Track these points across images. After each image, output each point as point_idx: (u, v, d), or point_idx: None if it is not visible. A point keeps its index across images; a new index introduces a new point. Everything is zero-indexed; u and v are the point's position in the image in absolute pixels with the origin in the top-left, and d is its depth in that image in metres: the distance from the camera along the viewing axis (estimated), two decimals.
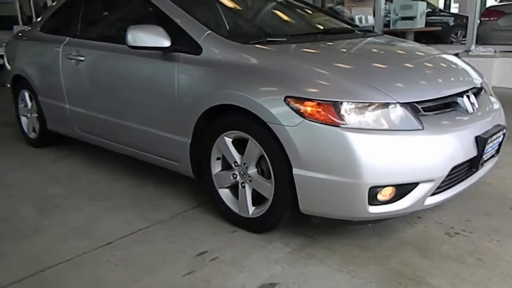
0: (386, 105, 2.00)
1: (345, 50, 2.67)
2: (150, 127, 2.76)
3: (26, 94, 4.02)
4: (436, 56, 2.70)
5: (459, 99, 2.28)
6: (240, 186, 2.38)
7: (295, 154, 2.03)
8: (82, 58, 3.20)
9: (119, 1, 3.43)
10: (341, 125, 1.94)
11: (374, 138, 1.94)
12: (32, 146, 4.17)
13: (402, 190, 2.03)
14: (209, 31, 2.50)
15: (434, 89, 2.22)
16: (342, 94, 1.99)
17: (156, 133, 2.72)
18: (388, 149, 1.96)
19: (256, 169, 2.30)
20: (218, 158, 2.48)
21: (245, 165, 2.32)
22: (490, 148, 2.30)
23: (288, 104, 2.03)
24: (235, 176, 2.39)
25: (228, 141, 2.37)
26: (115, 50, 2.92)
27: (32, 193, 3.06)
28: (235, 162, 2.36)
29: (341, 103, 1.97)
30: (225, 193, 2.49)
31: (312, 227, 2.35)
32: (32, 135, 4.19)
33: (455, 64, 2.63)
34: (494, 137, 2.29)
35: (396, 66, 2.38)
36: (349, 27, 3.31)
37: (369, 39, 2.94)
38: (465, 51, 6.90)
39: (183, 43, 2.53)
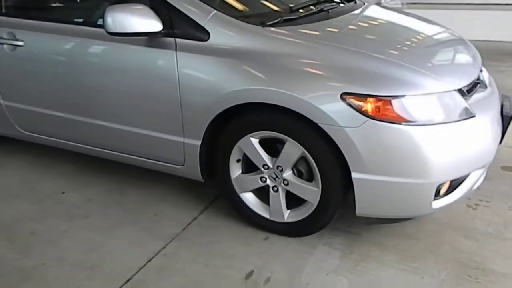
0: (445, 94, 1.78)
1: (368, 30, 2.28)
2: (143, 128, 2.22)
3: None
4: (446, 32, 2.47)
5: (480, 74, 2.15)
6: (271, 190, 2.05)
7: (356, 157, 1.74)
8: (21, 43, 2.44)
9: None
10: (409, 123, 1.69)
11: (441, 132, 1.72)
12: None
13: (457, 180, 1.88)
14: (215, 11, 2.00)
15: (471, 70, 2.04)
16: (407, 87, 1.71)
17: (152, 135, 2.21)
18: (453, 142, 1.76)
19: (291, 171, 1.98)
20: (238, 160, 2.10)
21: (279, 168, 1.98)
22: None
23: (346, 102, 1.70)
24: (264, 179, 2.05)
25: (255, 142, 1.99)
26: (82, 34, 2.24)
27: None
28: (265, 164, 2.01)
29: (407, 97, 1.70)
30: (249, 198, 2.14)
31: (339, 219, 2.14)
32: None
33: (462, 39, 2.46)
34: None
35: (431, 48, 2.14)
36: None
37: (370, 11, 2.58)
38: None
39: (179, 26, 2.00)
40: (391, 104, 1.68)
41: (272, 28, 1.96)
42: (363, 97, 1.69)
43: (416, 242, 2.06)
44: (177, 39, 2.01)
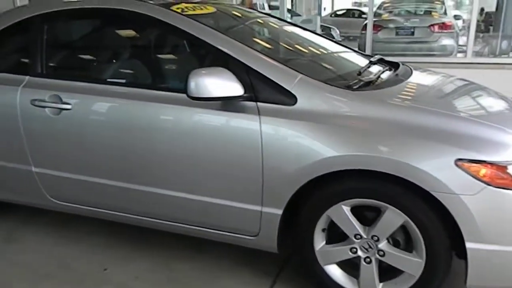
0: None
1: (449, 93, 2.25)
2: (213, 197, 2.02)
3: None
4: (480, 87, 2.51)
5: None
6: (363, 261, 1.88)
7: (471, 225, 1.63)
8: (68, 107, 2.22)
9: (129, 28, 2.44)
10: None
11: None
12: None
13: None
14: (301, 75, 1.91)
15: None
16: None
17: (224, 204, 2.01)
18: None
19: (386, 241, 1.84)
20: (323, 230, 1.93)
21: (374, 237, 1.83)
22: None
23: (461, 169, 1.61)
24: (354, 250, 1.88)
25: (347, 210, 1.84)
26: (146, 98, 2.07)
27: None
28: (357, 234, 1.85)
29: None
30: (335, 271, 1.95)
31: None
32: None
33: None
34: None
35: (499, 108, 2.14)
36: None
37: (426, 74, 2.58)
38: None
39: (262, 90, 1.89)
40: (507, 169, 1.61)
41: (361, 92, 1.89)
42: (479, 163, 1.61)
43: None
44: (259, 103, 1.89)
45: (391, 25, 7.88)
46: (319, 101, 1.84)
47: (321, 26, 10.83)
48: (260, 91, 1.90)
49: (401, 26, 7.65)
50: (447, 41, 7.45)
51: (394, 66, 2.57)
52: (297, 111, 1.84)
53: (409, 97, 1.99)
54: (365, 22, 7.96)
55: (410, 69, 2.47)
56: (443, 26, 7.52)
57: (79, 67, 2.45)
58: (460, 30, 8.56)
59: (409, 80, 2.22)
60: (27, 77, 2.39)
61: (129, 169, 2.16)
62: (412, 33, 7.53)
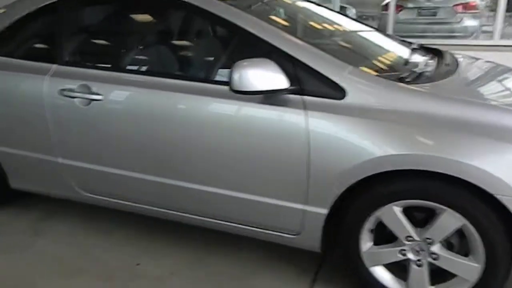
0: None
1: (504, 84, 2.07)
2: (252, 193, 1.92)
3: None
4: None
5: None
6: (413, 264, 1.78)
7: None
8: (99, 97, 2.12)
9: (159, 13, 2.30)
10: None
11: None
12: None
13: None
14: (351, 66, 1.77)
15: None
16: None
17: (264, 202, 1.91)
18: None
19: (440, 244, 1.73)
20: (371, 231, 1.83)
21: (427, 240, 1.72)
22: None
23: None
24: (404, 252, 1.78)
25: (398, 211, 1.73)
26: (184, 90, 1.95)
27: None
28: (409, 236, 1.75)
29: None
30: (381, 273, 1.86)
31: None
32: None
33: None
34: None
35: None
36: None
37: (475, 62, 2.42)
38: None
39: (308, 82, 1.77)
40: None
41: (415, 85, 1.76)
42: None
43: None
44: (305, 97, 1.77)
45: (412, 5, 7.60)
46: (370, 95, 1.71)
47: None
48: (306, 83, 1.77)
49: (423, 6, 7.37)
50: (470, 22, 7.17)
51: (434, 53, 2.43)
52: (346, 106, 1.71)
53: (466, 91, 1.85)
54: (385, 2, 7.71)
55: (454, 57, 2.31)
56: (467, 6, 7.23)
57: (111, 56, 2.32)
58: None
59: (459, 70, 2.07)
60: (54, 66, 2.27)
61: (165, 164, 2.06)
62: (435, 14, 7.26)
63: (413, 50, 2.28)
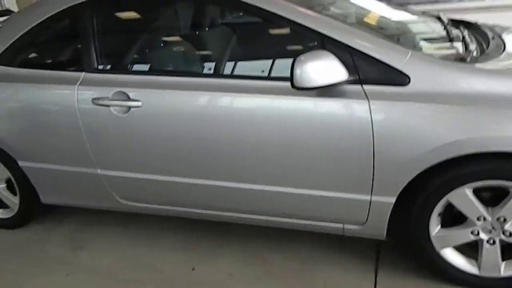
0: None
1: None
2: (313, 188, 1.87)
3: None
4: None
5: None
6: (485, 243, 1.77)
7: None
8: (138, 104, 2.01)
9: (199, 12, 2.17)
10: None
11: None
12: (4, 228, 2.71)
13: None
14: (411, 51, 1.71)
15: None
16: None
17: (327, 196, 1.87)
18: None
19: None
20: (439, 214, 1.81)
21: (500, 219, 1.71)
22: None
23: None
24: (475, 232, 1.77)
25: (469, 192, 1.71)
26: (233, 89, 1.87)
27: None
28: (480, 216, 1.74)
29: None
30: (452, 254, 1.85)
31: None
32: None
33: None
34: None
35: None
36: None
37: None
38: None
39: (367, 71, 1.70)
40: None
41: (477, 64, 1.71)
42: None
43: None
44: (365, 86, 1.71)
45: None
46: (435, 79, 1.66)
47: None
48: (365, 72, 1.70)
49: None
50: None
51: (465, 25, 2.38)
52: (411, 92, 1.66)
53: None
54: None
55: (493, 29, 2.27)
56: None
57: (146, 59, 2.20)
58: None
59: (507, 44, 2.03)
60: (82, 74, 2.15)
61: (214, 166, 1.98)
62: None
63: (449, 25, 2.22)
